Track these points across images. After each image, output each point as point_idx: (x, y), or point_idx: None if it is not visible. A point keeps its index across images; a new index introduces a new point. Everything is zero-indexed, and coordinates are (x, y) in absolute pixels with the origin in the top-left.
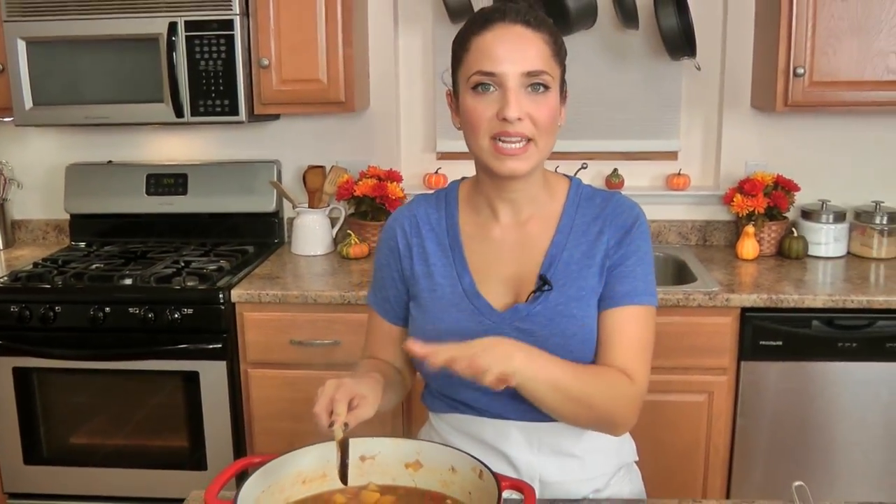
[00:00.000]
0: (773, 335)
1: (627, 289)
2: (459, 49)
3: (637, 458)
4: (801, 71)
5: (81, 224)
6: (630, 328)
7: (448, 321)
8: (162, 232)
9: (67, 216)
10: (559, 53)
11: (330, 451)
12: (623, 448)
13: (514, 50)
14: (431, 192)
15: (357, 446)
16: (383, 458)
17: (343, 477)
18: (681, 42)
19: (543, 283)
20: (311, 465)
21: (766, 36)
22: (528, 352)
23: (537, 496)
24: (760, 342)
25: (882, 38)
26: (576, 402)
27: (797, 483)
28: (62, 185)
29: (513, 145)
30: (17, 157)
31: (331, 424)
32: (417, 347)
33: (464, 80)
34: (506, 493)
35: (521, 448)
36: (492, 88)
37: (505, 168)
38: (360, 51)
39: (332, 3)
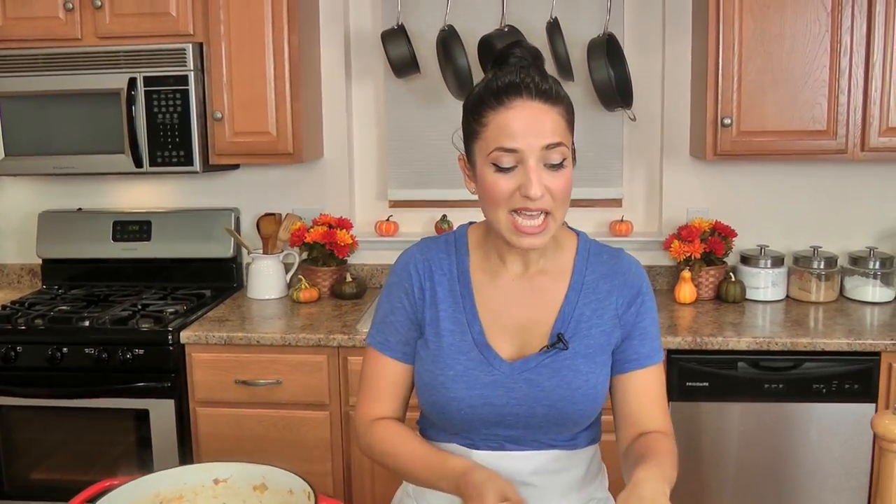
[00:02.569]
0: (700, 377)
1: (648, 350)
2: (475, 122)
3: (607, 495)
4: (727, 121)
5: (53, 268)
6: (656, 387)
7: (457, 369)
8: (127, 276)
9: (40, 261)
10: (572, 122)
11: (185, 474)
12: (588, 484)
13: (533, 125)
14: (439, 235)
15: (211, 470)
16: (234, 481)
17: None
18: (612, 93)
19: (560, 340)
20: (169, 486)
21: (699, 88)
22: (654, 478)
23: None
24: (687, 383)
25: (808, 89)
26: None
27: None
28: (35, 231)
29: (532, 222)
30: None
31: None
32: None
33: (482, 154)
34: None
35: None
36: (513, 165)
37: (523, 244)
38: (313, 104)
39: (280, 61)
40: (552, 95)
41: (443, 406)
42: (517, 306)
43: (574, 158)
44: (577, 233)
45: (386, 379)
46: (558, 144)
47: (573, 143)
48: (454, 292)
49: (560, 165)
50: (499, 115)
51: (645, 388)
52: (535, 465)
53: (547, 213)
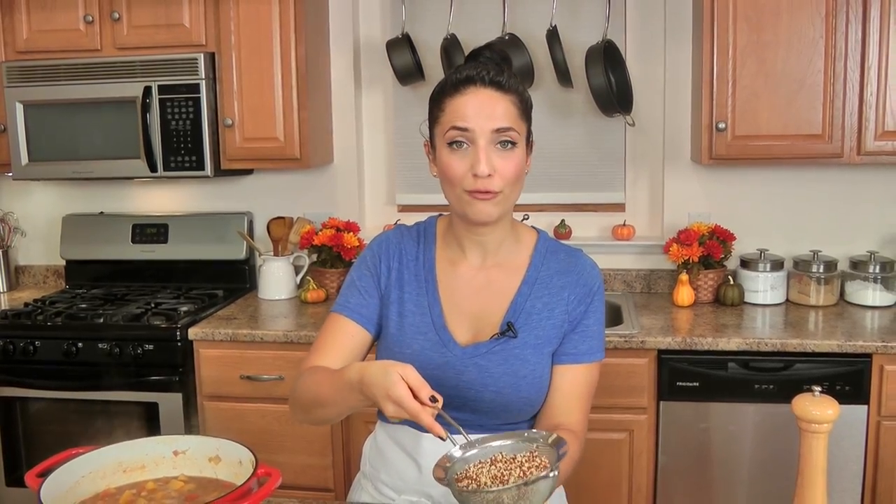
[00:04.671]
0: (690, 377)
1: (587, 348)
2: (436, 109)
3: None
4: (722, 126)
5: (76, 269)
6: (585, 384)
7: (414, 348)
8: (146, 277)
9: (64, 262)
10: (526, 111)
11: (146, 445)
12: None
13: (484, 109)
14: (412, 225)
15: (171, 443)
16: (192, 453)
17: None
18: (609, 99)
19: (509, 329)
20: (132, 456)
21: (698, 94)
22: None
23: (444, 503)
24: (677, 383)
25: (803, 93)
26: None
27: None
28: (60, 234)
29: (483, 194)
30: (21, 207)
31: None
32: None
33: (440, 136)
34: None
35: (429, 458)
36: (465, 145)
37: (477, 213)
38: (321, 111)
39: (287, 70)
40: (504, 86)
41: None
42: (474, 295)
43: (530, 148)
44: (538, 231)
45: (335, 336)
46: (508, 129)
47: (530, 135)
48: (419, 277)
49: (511, 148)
50: (455, 100)
51: (574, 383)
52: None
53: (498, 192)
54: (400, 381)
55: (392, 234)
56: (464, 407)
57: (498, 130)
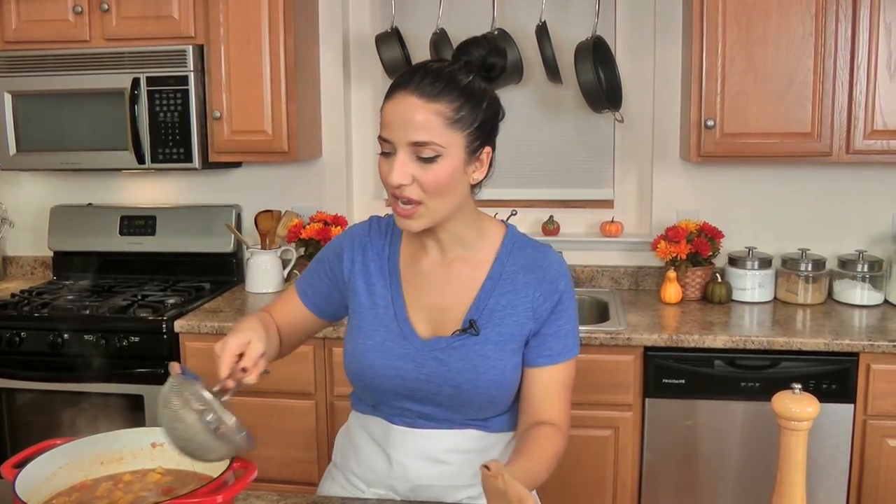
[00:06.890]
0: (676, 374)
1: (561, 347)
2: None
3: None
4: (710, 123)
5: (64, 261)
6: (563, 380)
7: (376, 339)
8: (133, 269)
9: (52, 253)
10: (459, 121)
11: (124, 437)
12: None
13: (403, 119)
14: (383, 218)
15: (149, 434)
16: (169, 446)
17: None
18: (598, 96)
19: (471, 326)
20: (110, 448)
21: (687, 91)
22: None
23: (412, 497)
24: (663, 380)
25: (792, 91)
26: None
27: None
28: (47, 225)
29: (404, 206)
30: (9, 198)
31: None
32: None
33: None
34: None
35: (398, 449)
36: (390, 151)
37: (401, 225)
38: (310, 105)
39: (276, 63)
40: (431, 93)
41: (360, 374)
42: (436, 290)
43: (480, 157)
44: (508, 226)
45: (284, 305)
46: (426, 144)
47: (477, 143)
48: (383, 271)
49: (431, 161)
50: (385, 106)
51: (552, 382)
52: (447, 444)
53: (417, 203)
54: (226, 340)
55: (361, 227)
56: (426, 400)
57: (415, 144)
